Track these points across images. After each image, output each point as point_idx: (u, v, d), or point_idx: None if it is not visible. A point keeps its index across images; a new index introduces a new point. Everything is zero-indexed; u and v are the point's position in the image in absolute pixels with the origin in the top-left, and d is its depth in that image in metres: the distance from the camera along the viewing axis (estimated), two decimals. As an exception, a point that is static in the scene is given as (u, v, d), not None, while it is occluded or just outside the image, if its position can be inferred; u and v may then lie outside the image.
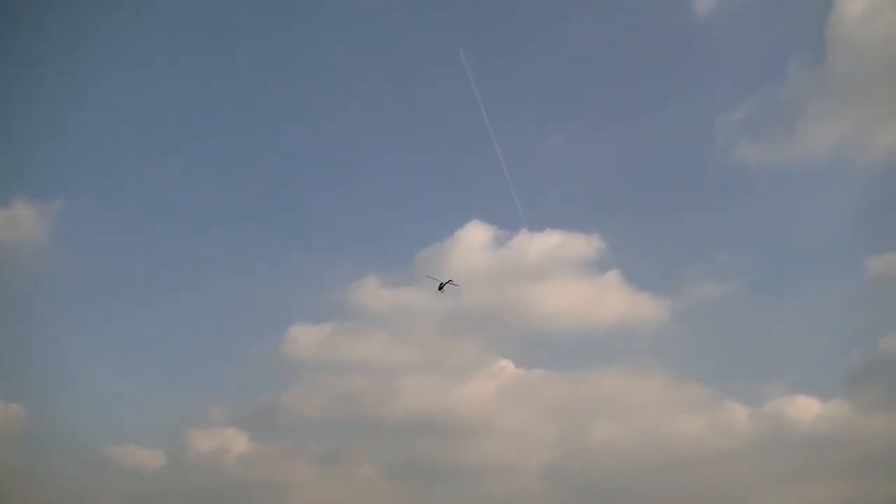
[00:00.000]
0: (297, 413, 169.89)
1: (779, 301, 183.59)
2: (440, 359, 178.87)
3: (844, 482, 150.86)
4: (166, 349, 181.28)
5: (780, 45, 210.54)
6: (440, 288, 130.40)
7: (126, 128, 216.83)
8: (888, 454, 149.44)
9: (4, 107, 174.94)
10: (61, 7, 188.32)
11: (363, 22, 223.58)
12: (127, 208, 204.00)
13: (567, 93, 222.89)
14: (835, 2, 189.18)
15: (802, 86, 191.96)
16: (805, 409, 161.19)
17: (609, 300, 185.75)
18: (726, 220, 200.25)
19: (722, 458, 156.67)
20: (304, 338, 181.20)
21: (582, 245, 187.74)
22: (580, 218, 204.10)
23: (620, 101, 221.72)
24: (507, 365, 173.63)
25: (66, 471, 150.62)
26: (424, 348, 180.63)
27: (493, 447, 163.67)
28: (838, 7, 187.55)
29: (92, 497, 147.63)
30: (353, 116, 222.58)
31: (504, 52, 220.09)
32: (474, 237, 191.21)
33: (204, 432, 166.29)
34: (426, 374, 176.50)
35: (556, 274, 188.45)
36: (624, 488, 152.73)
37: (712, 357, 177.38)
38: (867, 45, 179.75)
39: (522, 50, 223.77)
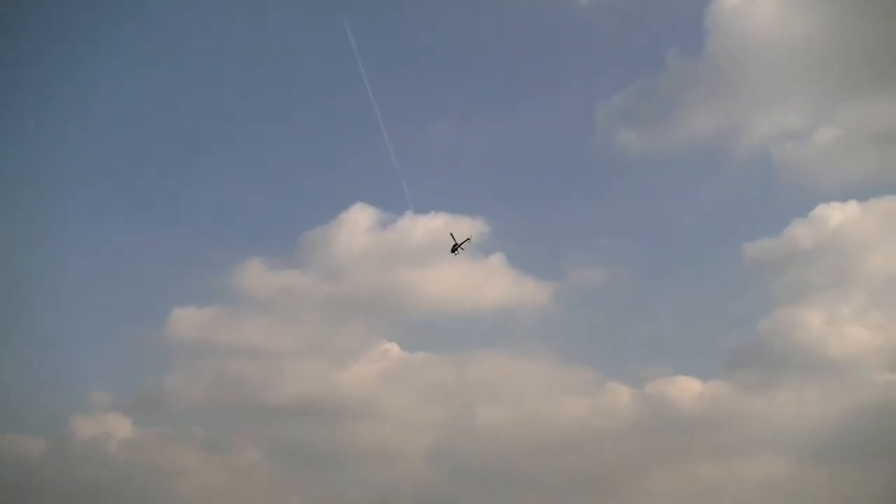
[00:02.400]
0: (181, 398, 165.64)
1: (660, 285, 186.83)
2: (325, 342, 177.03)
3: (724, 461, 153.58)
4: (48, 334, 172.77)
5: (659, 35, 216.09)
6: (454, 250, 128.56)
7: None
8: (766, 433, 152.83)
9: None
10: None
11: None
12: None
13: (453, 78, 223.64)
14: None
15: (681, 75, 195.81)
16: (686, 389, 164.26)
17: (493, 283, 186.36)
18: (608, 206, 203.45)
19: (605, 439, 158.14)
20: (188, 321, 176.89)
21: (466, 228, 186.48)
22: (465, 201, 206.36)
23: (505, 88, 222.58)
24: (391, 348, 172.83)
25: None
26: (309, 331, 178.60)
27: (377, 430, 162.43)
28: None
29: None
30: (236, 98, 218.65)
31: (392, 36, 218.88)
32: (359, 220, 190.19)
33: (87, 418, 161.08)
34: (311, 358, 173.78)
35: (441, 257, 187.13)
36: (509, 470, 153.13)
37: (595, 340, 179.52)
38: (744, 35, 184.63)
39: (410, 34, 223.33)
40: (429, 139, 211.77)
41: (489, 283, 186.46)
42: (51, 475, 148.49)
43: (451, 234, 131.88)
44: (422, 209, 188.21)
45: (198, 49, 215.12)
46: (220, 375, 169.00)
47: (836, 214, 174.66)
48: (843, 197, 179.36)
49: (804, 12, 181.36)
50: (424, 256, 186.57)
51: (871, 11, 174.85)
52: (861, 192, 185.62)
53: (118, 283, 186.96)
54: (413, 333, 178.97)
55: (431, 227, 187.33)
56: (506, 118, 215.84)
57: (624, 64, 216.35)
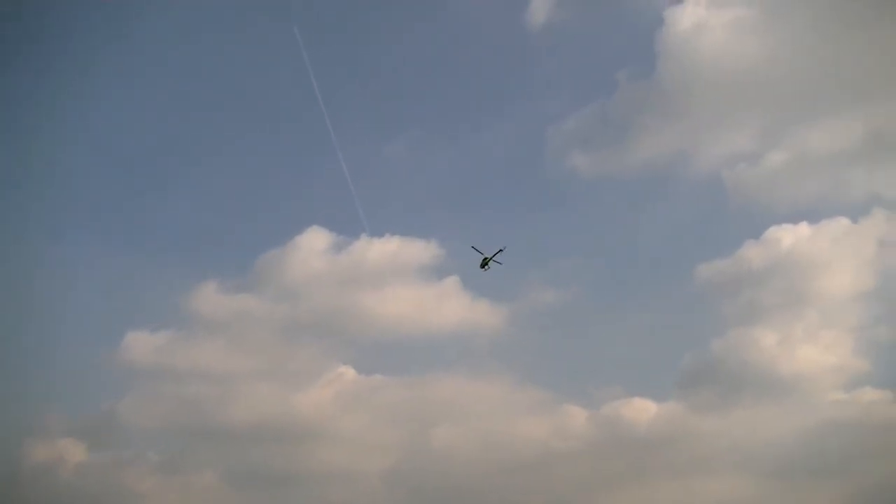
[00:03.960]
0: (136, 422, 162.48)
1: (614, 306, 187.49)
2: (280, 365, 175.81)
3: (680, 481, 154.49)
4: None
5: (611, 58, 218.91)
6: (484, 265, 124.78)
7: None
8: (721, 453, 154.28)
9: None
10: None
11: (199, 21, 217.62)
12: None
13: (407, 100, 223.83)
14: (665, 17, 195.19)
15: (632, 98, 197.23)
16: (641, 411, 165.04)
17: (448, 306, 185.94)
18: (562, 229, 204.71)
19: (562, 460, 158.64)
20: (142, 345, 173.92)
21: (421, 251, 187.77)
22: (419, 224, 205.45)
23: (458, 111, 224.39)
24: (347, 371, 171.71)
25: None
26: (264, 354, 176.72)
27: (334, 453, 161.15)
28: (669, 22, 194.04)
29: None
30: (190, 119, 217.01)
31: (346, 57, 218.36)
32: (314, 243, 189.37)
33: (39, 442, 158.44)
34: (266, 381, 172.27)
35: (396, 280, 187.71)
36: (465, 491, 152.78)
37: (551, 361, 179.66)
38: (695, 59, 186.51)
39: (363, 56, 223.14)
40: (383, 162, 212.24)
41: (444, 305, 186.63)
42: (2, 500, 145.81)
43: (475, 248, 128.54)
44: (376, 232, 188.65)
45: (150, 71, 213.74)
46: (175, 399, 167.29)
47: (788, 236, 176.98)
48: (795, 218, 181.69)
49: (754, 37, 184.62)
50: (379, 279, 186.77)
51: (821, 37, 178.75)
52: (812, 214, 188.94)
53: (71, 305, 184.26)
54: (368, 356, 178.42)
55: (386, 250, 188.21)
56: (459, 141, 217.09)
57: (576, 87, 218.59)
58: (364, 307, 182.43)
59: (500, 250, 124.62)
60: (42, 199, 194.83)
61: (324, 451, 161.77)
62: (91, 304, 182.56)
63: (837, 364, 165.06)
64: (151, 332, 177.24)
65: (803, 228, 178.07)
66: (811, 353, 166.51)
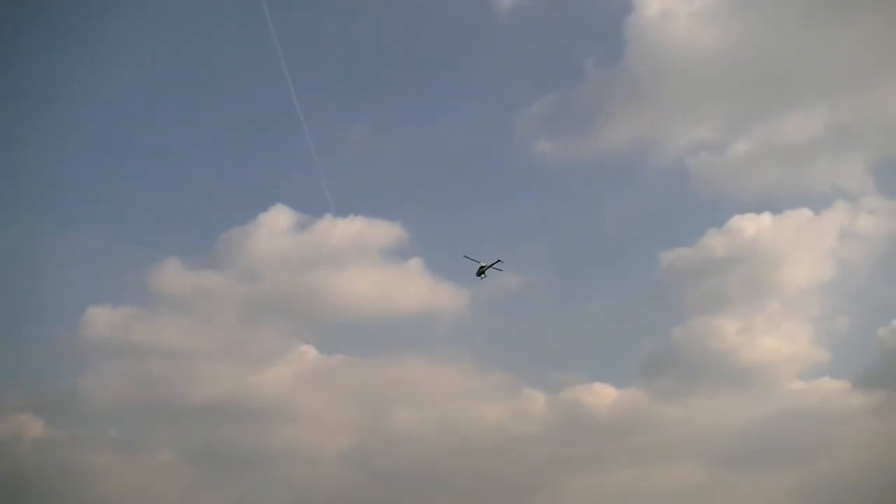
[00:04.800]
0: (95, 398, 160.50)
1: (577, 292, 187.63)
2: (241, 343, 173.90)
3: (639, 467, 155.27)
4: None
5: (578, 45, 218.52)
6: (480, 273, 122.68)
7: None
8: (680, 440, 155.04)
9: None
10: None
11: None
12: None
13: (375, 82, 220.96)
14: (634, 4, 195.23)
15: (599, 85, 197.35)
16: (602, 396, 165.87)
17: (411, 288, 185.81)
18: (527, 214, 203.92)
19: (521, 444, 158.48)
20: (103, 321, 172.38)
21: (385, 232, 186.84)
22: (384, 205, 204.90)
23: (425, 94, 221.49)
24: (308, 350, 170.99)
25: None
26: (226, 333, 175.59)
27: (293, 433, 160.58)
28: (637, 9, 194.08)
29: None
30: (155, 94, 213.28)
31: (313, 36, 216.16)
32: (278, 221, 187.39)
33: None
34: (227, 359, 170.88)
35: (359, 260, 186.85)
36: (425, 473, 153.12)
37: (512, 346, 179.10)
38: (662, 48, 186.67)
39: (332, 37, 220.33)
40: (349, 142, 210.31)
41: (407, 287, 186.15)
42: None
43: (468, 257, 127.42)
44: (341, 212, 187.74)
45: (112, 48, 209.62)
46: (135, 376, 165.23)
47: (751, 225, 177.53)
48: (758, 208, 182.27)
49: (721, 26, 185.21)
50: (343, 260, 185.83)
51: (787, 29, 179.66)
52: (775, 204, 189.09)
53: (31, 281, 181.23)
54: (330, 336, 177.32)
55: (350, 230, 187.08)
56: (426, 124, 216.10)
57: (543, 73, 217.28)
58: (327, 287, 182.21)
59: (498, 261, 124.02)
60: (2, 178, 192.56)
61: (284, 430, 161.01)
62: (52, 280, 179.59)
63: (797, 354, 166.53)
64: (113, 308, 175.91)
65: (766, 218, 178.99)
66: (771, 342, 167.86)
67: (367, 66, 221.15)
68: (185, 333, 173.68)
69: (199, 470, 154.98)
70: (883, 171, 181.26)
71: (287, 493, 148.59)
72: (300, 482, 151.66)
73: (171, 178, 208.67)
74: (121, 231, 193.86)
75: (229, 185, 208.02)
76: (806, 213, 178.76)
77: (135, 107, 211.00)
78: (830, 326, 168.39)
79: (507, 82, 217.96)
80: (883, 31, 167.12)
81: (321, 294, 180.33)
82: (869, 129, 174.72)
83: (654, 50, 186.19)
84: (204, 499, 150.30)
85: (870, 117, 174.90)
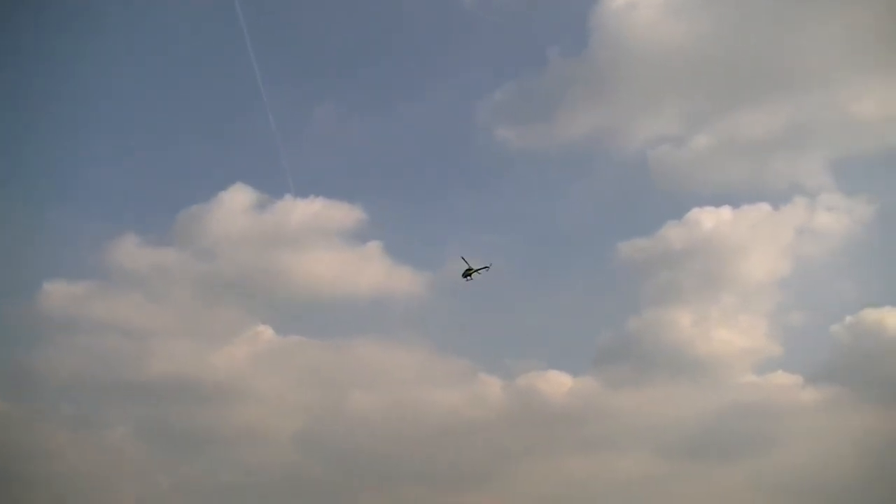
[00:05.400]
0: (50, 374, 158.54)
1: (534, 280, 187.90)
2: (198, 322, 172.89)
3: (592, 456, 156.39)
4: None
5: (542, 33, 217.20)
6: (467, 275, 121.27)
7: None
8: (634, 429, 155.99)
9: None
10: None
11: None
12: None
13: (340, 65, 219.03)
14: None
15: (562, 74, 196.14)
16: (557, 384, 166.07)
17: (370, 270, 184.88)
18: (486, 201, 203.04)
19: (476, 430, 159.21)
20: (58, 296, 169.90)
21: (345, 214, 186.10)
22: (345, 188, 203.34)
23: (389, 79, 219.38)
24: (265, 330, 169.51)
25: None
26: (182, 310, 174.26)
27: (248, 413, 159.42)
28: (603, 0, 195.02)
29: None
30: (115, 69, 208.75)
31: (280, 14, 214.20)
32: (237, 200, 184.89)
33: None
34: (183, 337, 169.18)
35: (318, 241, 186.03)
36: (380, 457, 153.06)
37: (469, 332, 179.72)
38: (626, 39, 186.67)
39: (299, 17, 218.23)
40: (312, 123, 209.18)
41: (365, 270, 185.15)
42: None
43: (463, 258, 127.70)
44: (301, 193, 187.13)
45: (72, 25, 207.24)
46: (90, 351, 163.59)
47: (710, 218, 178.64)
48: (717, 202, 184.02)
49: (686, 21, 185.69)
50: (302, 240, 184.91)
51: (751, 24, 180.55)
52: (734, 198, 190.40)
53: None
54: (287, 317, 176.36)
55: (310, 211, 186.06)
56: (389, 108, 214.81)
57: (506, 60, 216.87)
58: (285, 267, 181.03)
59: (487, 267, 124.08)
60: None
61: (239, 410, 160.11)
62: (7, 254, 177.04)
63: (751, 347, 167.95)
64: (69, 282, 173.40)
65: (725, 212, 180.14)
66: (726, 335, 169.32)
67: (333, 49, 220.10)
68: (141, 310, 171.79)
69: (153, 448, 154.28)
70: (841, 168, 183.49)
71: (241, 473, 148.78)
72: (254, 462, 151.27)
73: (131, 154, 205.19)
74: (78, 206, 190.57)
75: (189, 163, 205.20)
76: (764, 208, 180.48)
77: (94, 82, 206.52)
78: (785, 321, 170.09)
79: (471, 69, 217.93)
80: (844, 30, 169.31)
81: (279, 274, 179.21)
82: (829, 127, 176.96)
83: (618, 41, 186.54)
84: (158, 477, 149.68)
85: (830, 115, 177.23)
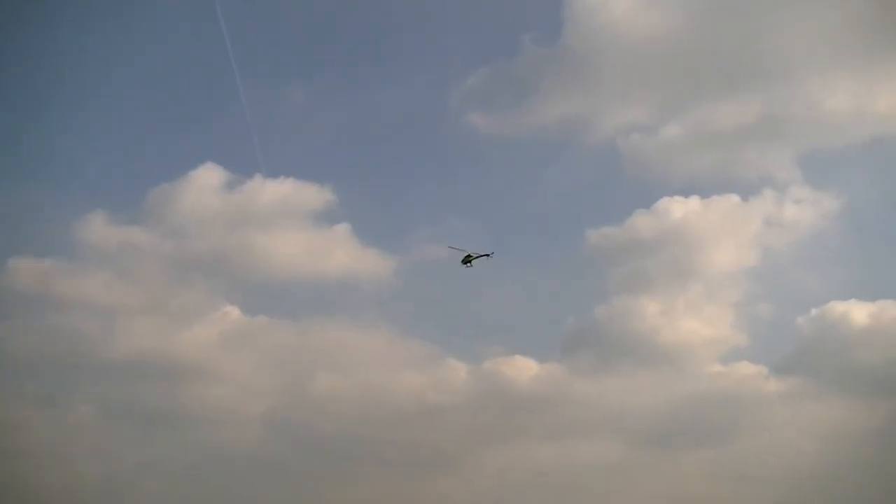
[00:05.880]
0: (14, 350, 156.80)
1: (503, 265, 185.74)
2: (165, 301, 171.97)
3: (557, 442, 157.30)
4: None
5: (517, 20, 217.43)
6: (466, 261, 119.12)
7: None
8: (598, 416, 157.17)
9: None
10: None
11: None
12: None
13: (313, 47, 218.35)
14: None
15: (535, 61, 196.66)
16: (523, 369, 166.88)
17: (338, 253, 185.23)
18: (457, 186, 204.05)
19: (441, 414, 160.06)
20: (24, 272, 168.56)
21: (315, 196, 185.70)
22: (315, 169, 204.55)
23: (362, 61, 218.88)
24: (232, 310, 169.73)
25: None
26: (150, 289, 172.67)
27: (215, 393, 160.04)
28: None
29: None
30: (86, 45, 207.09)
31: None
32: (208, 179, 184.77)
33: None
34: (150, 316, 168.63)
35: (287, 222, 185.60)
36: (345, 439, 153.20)
37: (436, 316, 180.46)
38: (600, 27, 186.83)
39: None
40: (284, 104, 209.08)
41: (333, 252, 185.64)
42: None
43: (452, 247, 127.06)
44: (272, 173, 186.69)
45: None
46: (56, 330, 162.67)
47: (679, 208, 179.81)
48: (687, 192, 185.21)
49: (660, 11, 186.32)
50: (271, 221, 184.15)
51: (724, 16, 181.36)
52: (704, 189, 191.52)
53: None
54: (255, 298, 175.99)
55: (280, 192, 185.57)
56: (361, 91, 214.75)
57: (480, 46, 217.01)
58: (254, 248, 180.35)
59: (488, 254, 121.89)
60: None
61: (204, 390, 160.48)
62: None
63: (717, 337, 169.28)
64: (35, 259, 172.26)
65: (694, 202, 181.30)
66: (692, 325, 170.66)
67: (307, 30, 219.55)
68: (108, 288, 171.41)
69: (118, 427, 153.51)
70: (810, 162, 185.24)
71: (206, 453, 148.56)
72: (220, 443, 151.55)
73: (102, 132, 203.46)
74: (46, 182, 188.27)
75: (160, 141, 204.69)
76: (733, 199, 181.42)
77: (64, 59, 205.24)
78: (751, 312, 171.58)
79: (445, 54, 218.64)
80: (816, 25, 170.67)
81: (248, 255, 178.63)
82: (799, 121, 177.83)
83: (592, 29, 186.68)
84: (123, 456, 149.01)
85: (800, 109, 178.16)
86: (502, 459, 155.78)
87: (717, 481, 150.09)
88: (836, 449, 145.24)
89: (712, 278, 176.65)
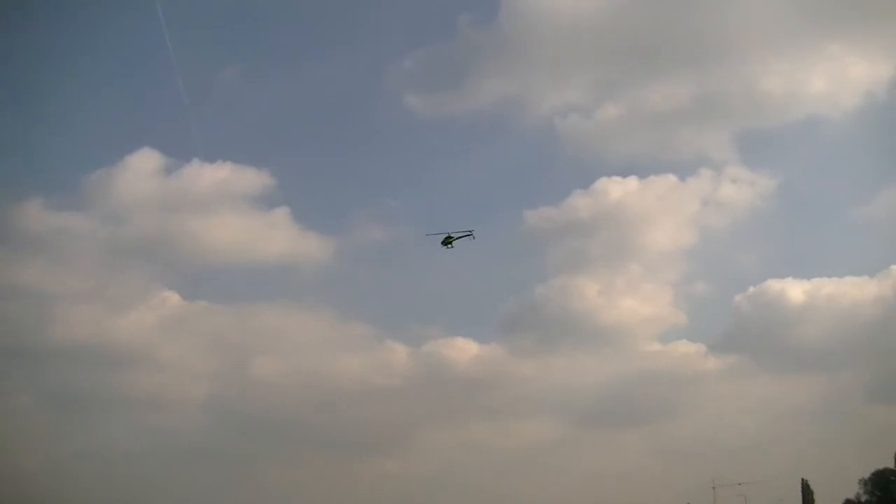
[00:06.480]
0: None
1: (442, 247, 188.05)
2: (103, 287, 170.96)
3: (497, 421, 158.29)
4: None
5: (453, 1, 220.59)
6: (447, 243, 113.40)
7: None
8: (538, 396, 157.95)
9: None
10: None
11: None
12: None
13: (247, 28, 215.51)
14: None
15: (472, 43, 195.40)
16: (463, 350, 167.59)
17: (277, 236, 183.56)
18: (395, 167, 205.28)
19: (383, 396, 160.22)
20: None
21: (253, 180, 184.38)
22: (253, 153, 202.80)
23: (298, 43, 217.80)
24: (171, 296, 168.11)
25: None
26: (87, 275, 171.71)
27: (154, 379, 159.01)
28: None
29: None
30: (22, 30, 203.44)
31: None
32: (145, 164, 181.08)
33: None
34: (87, 303, 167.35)
35: (226, 207, 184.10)
36: (286, 422, 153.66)
37: (376, 298, 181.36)
38: (537, 9, 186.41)
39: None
40: (221, 86, 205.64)
41: (272, 236, 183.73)
42: None
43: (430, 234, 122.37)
44: (209, 157, 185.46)
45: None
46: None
47: (617, 188, 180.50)
48: (624, 172, 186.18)
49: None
50: (209, 205, 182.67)
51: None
52: (641, 169, 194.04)
53: None
54: (194, 283, 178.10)
55: (218, 176, 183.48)
56: (297, 73, 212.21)
57: (416, 27, 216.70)
58: (192, 233, 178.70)
59: (470, 233, 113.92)
60: None
61: (143, 376, 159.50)
62: None
63: (655, 316, 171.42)
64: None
65: (632, 182, 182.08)
66: (631, 304, 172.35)
67: (243, 13, 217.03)
68: (44, 274, 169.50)
69: (57, 415, 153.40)
70: (747, 142, 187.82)
71: (146, 440, 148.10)
72: (160, 429, 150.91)
73: (37, 117, 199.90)
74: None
75: (97, 126, 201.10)
76: (671, 179, 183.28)
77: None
78: (689, 291, 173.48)
79: (382, 35, 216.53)
80: (752, 7, 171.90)
81: (186, 240, 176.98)
82: (735, 101, 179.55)
83: (528, 10, 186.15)
84: (62, 444, 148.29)
85: (735, 89, 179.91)
86: (444, 440, 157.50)
87: (657, 458, 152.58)
88: (773, 424, 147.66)
89: (651, 258, 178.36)
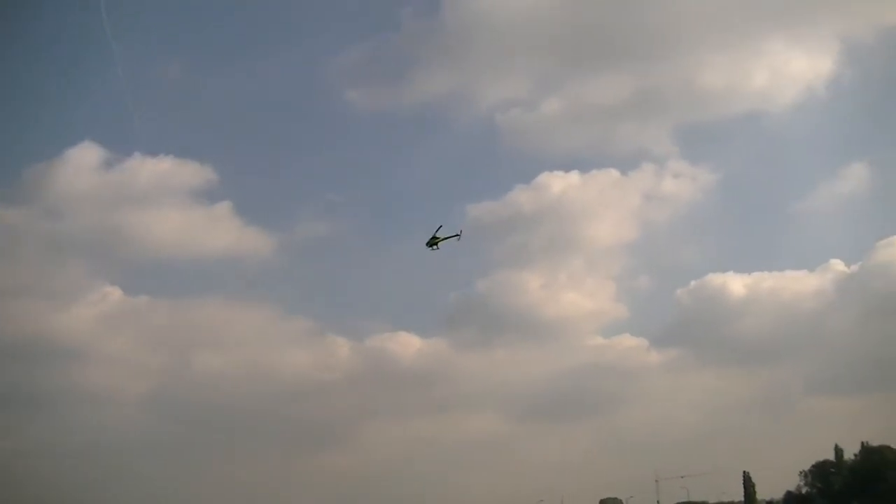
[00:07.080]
0: None
1: (384, 241, 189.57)
2: (42, 282, 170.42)
3: (441, 415, 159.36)
4: None
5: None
6: (432, 244, 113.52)
7: None
8: (482, 390, 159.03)
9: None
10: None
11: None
12: None
13: (189, 24, 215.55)
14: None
15: (414, 36, 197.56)
16: (406, 345, 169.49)
17: (219, 231, 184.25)
18: (336, 162, 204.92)
19: (326, 390, 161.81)
20: None
21: (195, 174, 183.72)
22: (195, 147, 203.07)
23: (239, 37, 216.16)
24: (113, 291, 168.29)
25: None
26: (26, 270, 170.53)
27: (93, 374, 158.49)
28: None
29: None
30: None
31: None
32: (85, 158, 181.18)
33: None
34: (26, 298, 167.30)
35: (167, 201, 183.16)
36: (230, 417, 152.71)
37: (318, 293, 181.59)
38: (480, 3, 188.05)
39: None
40: (163, 80, 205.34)
41: (215, 230, 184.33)
42: None
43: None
44: (150, 151, 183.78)
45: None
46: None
47: (558, 182, 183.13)
48: (566, 166, 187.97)
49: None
50: (151, 200, 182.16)
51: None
52: (583, 163, 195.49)
53: None
54: (136, 277, 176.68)
55: (159, 170, 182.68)
56: (238, 67, 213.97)
57: (358, 20, 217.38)
58: (134, 227, 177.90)
59: (457, 235, 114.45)
60: None
61: (84, 372, 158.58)
62: None
63: (598, 310, 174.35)
64: None
65: (574, 176, 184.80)
66: (573, 298, 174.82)
67: (184, 5, 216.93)
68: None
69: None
70: (688, 136, 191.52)
71: (86, 435, 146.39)
72: (100, 425, 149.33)
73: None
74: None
75: (36, 119, 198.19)
76: (613, 173, 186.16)
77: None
78: (631, 285, 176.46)
79: (323, 28, 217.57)
80: (691, 1, 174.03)
81: (128, 234, 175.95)
82: (676, 96, 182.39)
83: (472, 4, 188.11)
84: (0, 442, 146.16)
85: (677, 84, 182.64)
86: (388, 434, 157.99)
87: (601, 450, 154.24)
88: (715, 417, 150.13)
89: (593, 252, 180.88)
